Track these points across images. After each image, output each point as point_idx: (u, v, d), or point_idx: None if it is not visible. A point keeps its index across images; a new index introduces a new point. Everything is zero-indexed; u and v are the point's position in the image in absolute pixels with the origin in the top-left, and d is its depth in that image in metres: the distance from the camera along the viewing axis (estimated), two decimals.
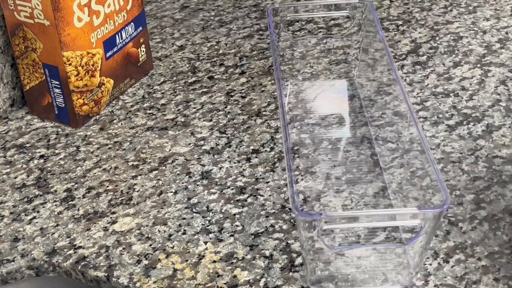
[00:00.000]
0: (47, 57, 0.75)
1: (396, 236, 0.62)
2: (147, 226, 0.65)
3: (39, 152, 0.76)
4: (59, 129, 0.79)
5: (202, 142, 0.75)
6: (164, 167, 0.72)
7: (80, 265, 0.62)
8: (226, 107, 0.80)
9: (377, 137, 0.74)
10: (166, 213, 0.67)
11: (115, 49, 0.80)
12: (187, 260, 0.61)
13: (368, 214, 0.57)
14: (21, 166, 0.74)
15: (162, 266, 0.61)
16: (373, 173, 0.69)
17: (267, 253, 0.62)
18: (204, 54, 0.91)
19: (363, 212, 0.58)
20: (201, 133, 0.77)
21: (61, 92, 0.77)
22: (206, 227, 0.65)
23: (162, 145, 0.75)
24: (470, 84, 0.81)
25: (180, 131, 0.77)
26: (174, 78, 0.87)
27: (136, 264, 0.61)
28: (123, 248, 0.63)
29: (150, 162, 0.73)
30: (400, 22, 0.95)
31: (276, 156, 0.73)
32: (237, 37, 0.93)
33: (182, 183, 0.70)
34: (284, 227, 0.64)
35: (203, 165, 0.72)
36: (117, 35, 0.79)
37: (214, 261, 0.61)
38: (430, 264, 0.60)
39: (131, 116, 0.80)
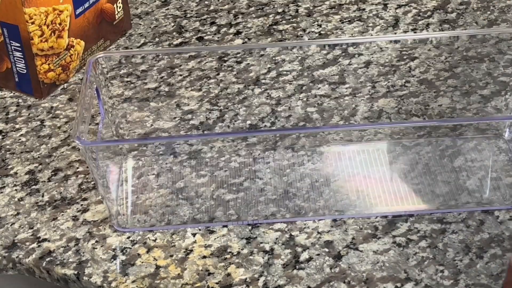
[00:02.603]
0: (5, 14, 0.74)
1: (420, 228, 0.62)
2: (124, 215, 0.65)
3: None
4: (20, 100, 0.79)
5: (189, 116, 0.75)
6: (144, 146, 0.72)
7: (45, 261, 0.62)
8: (218, 74, 0.80)
9: (399, 111, 0.73)
10: (147, 199, 0.66)
11: (86, 4, 0.80)
12: (172, 255, 0.61)
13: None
14: None
15: (142, 262, 0.61)
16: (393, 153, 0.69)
17: (267, 247, 0.62)
18: (192, 10, 0.91)
19: None
20: (188, 105, 0.76)
21: (22, 56, 0.76)
22: (195, 216, 0.64)
23: (142, 119, 0.75)
24: (509, 46, 0.81)
25: (163, 103, 0.77)
26: (157, 39, 0.87)
27: (112, 260, 0.61)
28: (96, 241, 0.63)
29: (129, 139, 0.73)
30: None
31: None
32: None
33: (166, 163, 0.70)
34: (287, 216, 0.64)
35: (191, 144, 0.72)
36: None
37: (204, 257, 0.61)
38: (461, 260, 0.60)
39: (105, 84, 0.80)
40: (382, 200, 0.65)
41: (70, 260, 0.62)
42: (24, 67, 0.77)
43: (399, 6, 0.90)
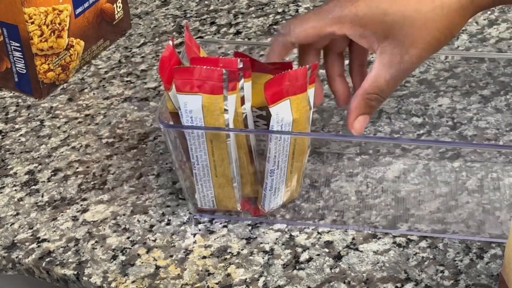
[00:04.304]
0: (5, 14, 0.74)
1: (421, 228, 0.62)
2: (124, 215, 0.65)
3: None
4: (20, 100, 0.79)
5: None
6: (144, 145, 0.72)
7: (45, 262, 0.62)
8: None
9: (399, 111, 0.73)
10: (147, 199, 0.66)
11: (86, 4, 0.80)
12: (171, 256, 0.61)
13: None
14: None
15: (142, 262, 0.61)
16: (393, 154, 0.69)
17: (267, 247, 0.62)
18: (192, 10, 0.91)
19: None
20: None
21: (22, 56, 0.76)
22: (194, 217, 0.64)
23: (142, 119, 0.75)
24: (509, 46, 0.81)
25: None
26: (157, 39, 0.86)
27: (111, 260, 0.61)
28: (96, 242, 0.63)
29: (128, 139, 0.73)
30: None
31: None
32: None
33: (166, 164, 0.70)
34: (287, 216, 0.64)
35: None
36: None
37: (204, 257, 0.61)
38: (461, 261, 0.59)
39: (105, 84, 0.80)
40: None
41: (70, 260, 0.62)
42: (24, 67, 0.77)
43: None
